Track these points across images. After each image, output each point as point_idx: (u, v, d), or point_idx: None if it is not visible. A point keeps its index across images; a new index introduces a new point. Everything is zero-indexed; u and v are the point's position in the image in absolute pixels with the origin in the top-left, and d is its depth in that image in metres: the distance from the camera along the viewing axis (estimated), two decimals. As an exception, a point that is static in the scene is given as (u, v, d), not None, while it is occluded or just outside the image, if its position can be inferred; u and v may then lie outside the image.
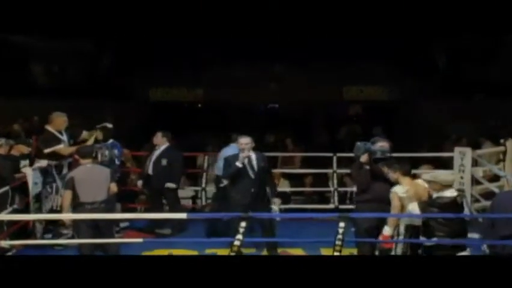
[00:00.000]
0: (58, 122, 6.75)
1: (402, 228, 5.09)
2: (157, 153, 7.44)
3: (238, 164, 6.17)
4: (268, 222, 6.12)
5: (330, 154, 8.10)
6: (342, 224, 5.03)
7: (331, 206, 7.96)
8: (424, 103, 12.64)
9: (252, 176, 6.16)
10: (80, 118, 10.12)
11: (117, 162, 6.98)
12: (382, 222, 5.19)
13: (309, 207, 8.24)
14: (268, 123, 13.11)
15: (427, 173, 5.16)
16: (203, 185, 8.28)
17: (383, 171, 5.44)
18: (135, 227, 7.23)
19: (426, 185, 5.08)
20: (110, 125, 7.23)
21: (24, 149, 6.83)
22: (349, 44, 12.24)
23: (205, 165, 8.43)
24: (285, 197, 8.33)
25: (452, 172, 5.45)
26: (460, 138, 9.86)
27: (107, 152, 6.61)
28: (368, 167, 5.58)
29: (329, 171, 8.15)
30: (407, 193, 5.16)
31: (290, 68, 13.15)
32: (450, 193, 4.83)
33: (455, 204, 4.77)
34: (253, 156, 6.22)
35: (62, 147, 6.68)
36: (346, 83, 13.51)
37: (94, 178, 5.69)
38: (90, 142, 6.80)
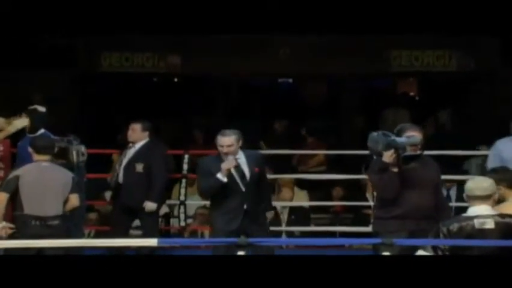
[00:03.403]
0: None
1: None
2: (130, 153, 7.58)
3: (221, 177, 6.35)
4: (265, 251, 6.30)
5: (368, 152, 8.26)
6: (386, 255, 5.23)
7: (369, 228, 8.14)
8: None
9: (243, 188, 6.42)
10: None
11: None
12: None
13: (338, 230, 8.42)
14: (278, 105, 13.22)
15: None
16: (181, 197, 8.36)
17: (416, 173, 5.55)
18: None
19: None
20: (42, 108, 7.38)
21: None
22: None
23: (185, 167, 8.51)
24: (303, 215, 8.51)
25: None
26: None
27: (83, 149, 6.76)
28: (395, 169, 5.68)
29: (367, 177, 8.32)
30: None
31: (309, 26, 13.18)
32: (476, 211, 4.84)
33: (476, 233, 4.74)
34: (242, 158, 6.45)
35: None
36: (394, 46, 13.58)
37: (48, 183, 5.79)
38: (8, 132, 6.93)
